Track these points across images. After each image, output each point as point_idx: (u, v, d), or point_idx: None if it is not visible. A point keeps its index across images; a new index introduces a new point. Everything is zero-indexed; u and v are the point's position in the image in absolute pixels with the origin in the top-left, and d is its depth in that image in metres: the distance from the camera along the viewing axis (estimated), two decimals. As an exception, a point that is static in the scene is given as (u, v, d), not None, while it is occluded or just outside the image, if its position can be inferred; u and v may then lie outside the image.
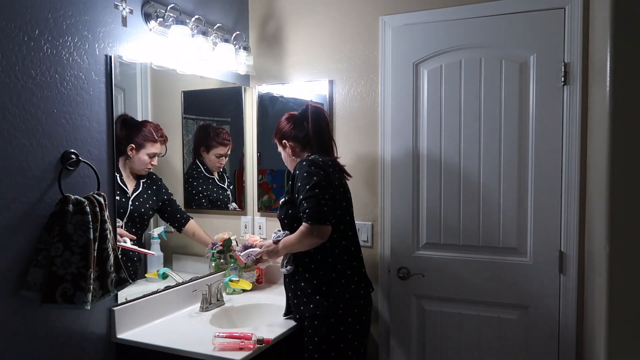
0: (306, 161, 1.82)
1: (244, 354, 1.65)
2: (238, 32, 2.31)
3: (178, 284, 2.09)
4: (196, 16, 2.06)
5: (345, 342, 1.81)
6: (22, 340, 1.49)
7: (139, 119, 1.98)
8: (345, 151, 2.31)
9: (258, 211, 2.60)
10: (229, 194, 2.53)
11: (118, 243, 1.80)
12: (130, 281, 1.69)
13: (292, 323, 1.93)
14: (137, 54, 1.88)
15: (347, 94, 2.35)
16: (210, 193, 2.42)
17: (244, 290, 2.36)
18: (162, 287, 2.02)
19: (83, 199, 1.54)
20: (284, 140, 1.99)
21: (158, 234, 2.09)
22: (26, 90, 1.47)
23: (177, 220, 2.20)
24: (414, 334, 2.25)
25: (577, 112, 1.94)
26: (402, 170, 2.22)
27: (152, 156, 1.99)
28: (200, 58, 2.04)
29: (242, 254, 2.21)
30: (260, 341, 1.72)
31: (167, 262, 2.12)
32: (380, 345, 2.31)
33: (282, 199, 1.92)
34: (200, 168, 2.36)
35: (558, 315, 2.02)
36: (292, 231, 1.86)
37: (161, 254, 2.09)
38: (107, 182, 1.74)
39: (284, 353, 1.90)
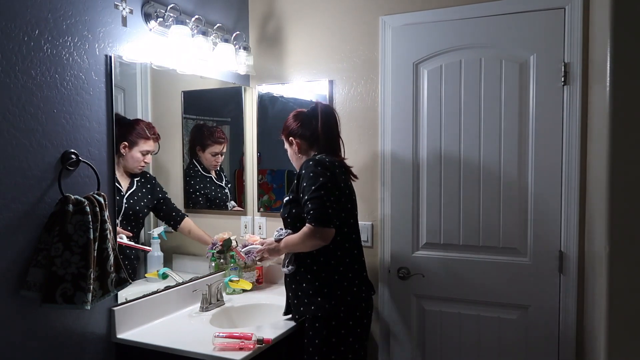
0: (313, 161, 1.81)
1: (244, 354, 1.65)
2: (238, 32, 2.31)
3: (178, 284, 2.09)
4: (196, 16, 2.06)
5: (346, 345, 1.80)
6: (22, 340, 1.49)
7: (139, 118, 1.98)
8: (346, 151, 2.30)
9: (258, 211, 2.60)
10: (227, 193, 2.53)
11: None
12: (130, 281, 1.69)
13: (292, 323, 1.93)
14: (137, 54, 1.88)
15: (347, 94, 2.35)
16: (209, 192, 2.42)
17: (244, 290, 2.36)
18: (162, 287, 2.02)
19: (83, 199, 1.54)
20: (290, 137, 1.97)
21: (158, 234, 2.10)
22: (26, 90, 1.47)
23: (173, 219, 2.20)
24: (414, 334, 2.25)
25: (577, 112, 1.94)
26: (402, 170, 2.22)
27: (145, 153, 1.99)
28: (200, 58, 2.04)
29: (243, 250, 2.22)
30: (260, 341, 1.72)
31: (167, 262, 2.12)
32: (380, 345, 2.31)
33: (286, 198, 1.91)
34: (197, 167, 2.37)
35: (558, 315, 2.02)
36: (294, 230, 1.86)
37: (161, 254, 2.09)
38: (107, 182, 1.74)
39: (284, 353, 1.90)
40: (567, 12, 1.94)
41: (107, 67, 1.74)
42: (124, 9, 1.80)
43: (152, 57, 1.95)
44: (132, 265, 1.97)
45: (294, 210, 1.86)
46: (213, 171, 2.44)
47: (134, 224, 2.00)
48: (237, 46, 2.29)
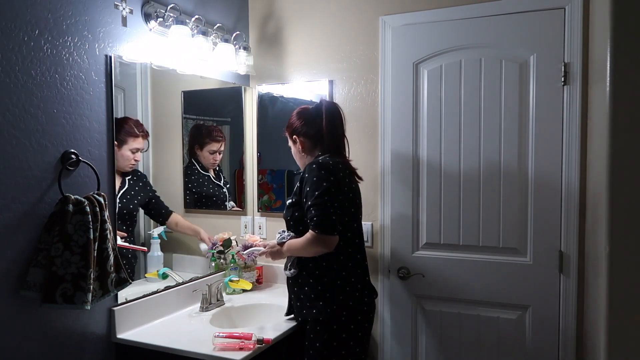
0: (316, 164, 1.77)
1: (244, 354, 1.65)
2: (238, 32, 2.31)
3: (178, 284, 2.09)
4: (196, 16, 2.06)
5: (347, 349, 1.79)
6: (22, 340, 1.49)
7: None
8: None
9: (258, 211, 2.60)
10: (225, 192, 2.52)
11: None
12: (130, 281, 1.69)
13: (292, 323, 1.93)
14: (137, 54, 1.88)
15: (347, 94, 2.35)
16: (207, 190, 2.42)
17: (244, 290, 2.36)
18: (162, 287, 2.02)
19: (83, 199, 1.54)
20: (294, 136, 1.93)
21: (158, 234, 2.10)
22: (26, 90, 1.47)
23: (162, 215, 2.19)
24: (414, 334, 2.25)
25: (577, 112, 1.94)
26: (402, 170, 2.22)
27: (134, 151, 1.98)
28: (200, 58, 2.04)
29: (244, 252, 2.21)
30: (260, 341, 1.72)
31: (167, 262, 2.12)
32: (380, 345, 2.31)
33: (290, 200, 1.88)
34: (196, 166, 2.37)
35: (558, 315, 2.02)
36: (297, 233, 1.84)
37: (161, 254, 2.09)
38: (107, 182, 1.74)
39: (284, 353, 1.90)
40: (567, 12, 1.94)
41: (107, 67, 1.74)
42: (124, 9, 1.80)
43: (152, 57, 1.95)
44: (130, 265, 1.97)
45: (296, 214, 1.84)
46: (211, 170, 2.44)
47: (128, 223, 1.99)
48: (237, 46, 2.29)
